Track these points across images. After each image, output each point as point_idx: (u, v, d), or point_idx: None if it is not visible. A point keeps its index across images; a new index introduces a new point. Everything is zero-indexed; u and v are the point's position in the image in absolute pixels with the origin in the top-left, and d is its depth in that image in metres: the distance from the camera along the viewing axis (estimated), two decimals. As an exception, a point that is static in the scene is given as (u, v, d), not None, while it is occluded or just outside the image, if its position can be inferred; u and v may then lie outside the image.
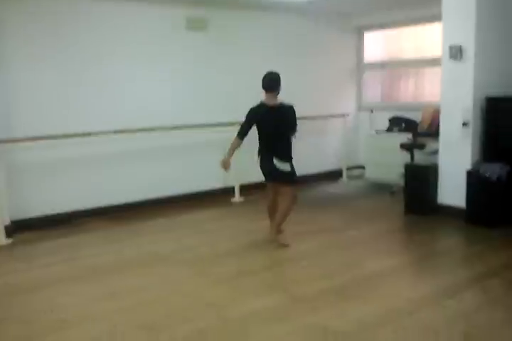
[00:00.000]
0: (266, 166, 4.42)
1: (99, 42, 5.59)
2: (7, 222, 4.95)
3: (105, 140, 5.53)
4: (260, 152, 4.47)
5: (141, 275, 3.91)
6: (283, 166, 4.36)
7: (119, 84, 5.77)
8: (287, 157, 4.40)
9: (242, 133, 4.41)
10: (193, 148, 6.36)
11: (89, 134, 5.32)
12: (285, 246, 4.46)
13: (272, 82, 4.37)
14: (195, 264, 4.13)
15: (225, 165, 4.40)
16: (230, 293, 3.54)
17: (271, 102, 4.38)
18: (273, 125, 4.36)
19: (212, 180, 6.49)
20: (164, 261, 4.25)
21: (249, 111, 4.44)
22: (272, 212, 4.64)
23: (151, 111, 5.94)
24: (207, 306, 3.32)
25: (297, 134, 4.47)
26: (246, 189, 6.45)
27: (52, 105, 5.35)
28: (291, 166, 4.43)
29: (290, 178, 4.44)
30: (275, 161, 4.33)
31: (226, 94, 6.55)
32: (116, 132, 5.50)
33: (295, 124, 4.40)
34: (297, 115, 4.45)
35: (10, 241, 4.85)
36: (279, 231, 4.56)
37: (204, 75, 6.38)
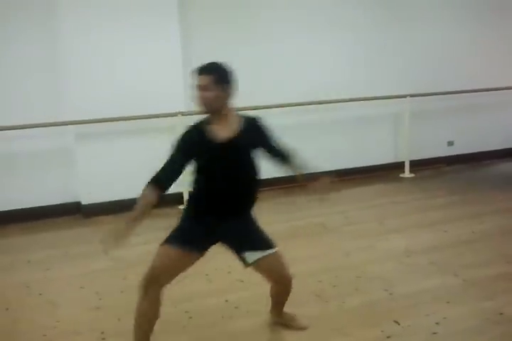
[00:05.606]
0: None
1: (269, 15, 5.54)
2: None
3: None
4: None
5: (310, 245, 4.06)
6: None
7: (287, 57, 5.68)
8: None
9: None
10: (363, 122, 6.19)
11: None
12: (305, 328, 2.82)
13: None
14: (363, 238, 4.17)
15: None
16: (399, 270, 3.53)
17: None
18: None
19: (382, 155, 6.35)
20: (332, 232, 4.36)
21: None
22: (154, 322, 2.43)
23: (322, 83, 5.79)
24: (375, 280, 3.36)
25: None
26: (417, 165, 6.24)
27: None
28: None
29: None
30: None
31: (401, 63, 6.24)
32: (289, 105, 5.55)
33: None
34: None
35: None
36: (280, 312, 2.86)
37: (377, 44, 6.08)
